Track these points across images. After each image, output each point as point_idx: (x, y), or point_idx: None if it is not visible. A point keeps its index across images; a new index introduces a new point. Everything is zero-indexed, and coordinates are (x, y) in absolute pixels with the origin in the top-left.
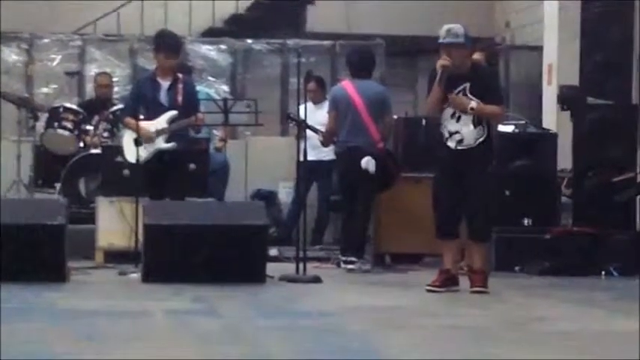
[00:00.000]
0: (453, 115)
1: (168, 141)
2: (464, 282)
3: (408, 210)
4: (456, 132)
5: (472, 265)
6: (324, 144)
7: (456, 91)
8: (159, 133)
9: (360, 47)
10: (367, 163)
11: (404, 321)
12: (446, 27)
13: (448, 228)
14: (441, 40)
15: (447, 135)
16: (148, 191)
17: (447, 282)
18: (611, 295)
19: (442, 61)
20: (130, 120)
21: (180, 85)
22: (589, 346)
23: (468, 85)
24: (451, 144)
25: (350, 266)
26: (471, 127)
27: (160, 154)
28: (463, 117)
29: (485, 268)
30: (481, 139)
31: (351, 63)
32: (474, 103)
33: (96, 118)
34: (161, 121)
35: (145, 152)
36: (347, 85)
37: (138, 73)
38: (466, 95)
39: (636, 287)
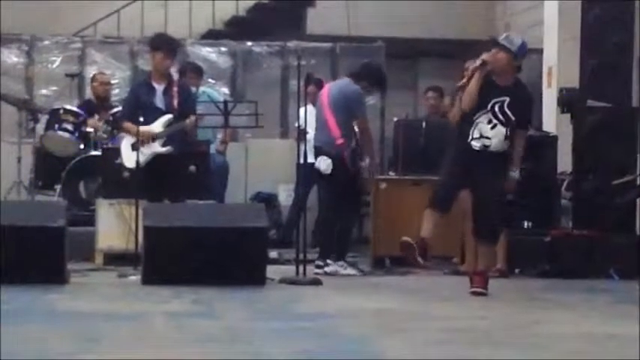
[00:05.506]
0: (489, 122)
1: (164, 145)
2: (464, 283)
3: (408, 213)
4: (487, 138)
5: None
6: None
7: (494, 101)
8: (155, 137)
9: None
10: (320, 162)
11: (403, 324)
12: (508, 33)
13: (440, 200)
14: (496, 38)
15: (476, 135)
16: (146, 195)
17: (419, 252)
18: (610, 298)
19: (485, 56)
20: (128, 124)
21: (175, 89)
22: (588, 349)
23: (507, 99)
24: (476, 144)
25: (317, 270)
26: (502, 138)
27: (157, 158)
28: (498, 127)
29: (487, 270)
30: (505, 149)
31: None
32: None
33: (96, 116)
34: (157, 125)
35: (142, 157)
36: (326, 86)
37: (138, 75)
38: (503, 109)
39: (636, 290)
